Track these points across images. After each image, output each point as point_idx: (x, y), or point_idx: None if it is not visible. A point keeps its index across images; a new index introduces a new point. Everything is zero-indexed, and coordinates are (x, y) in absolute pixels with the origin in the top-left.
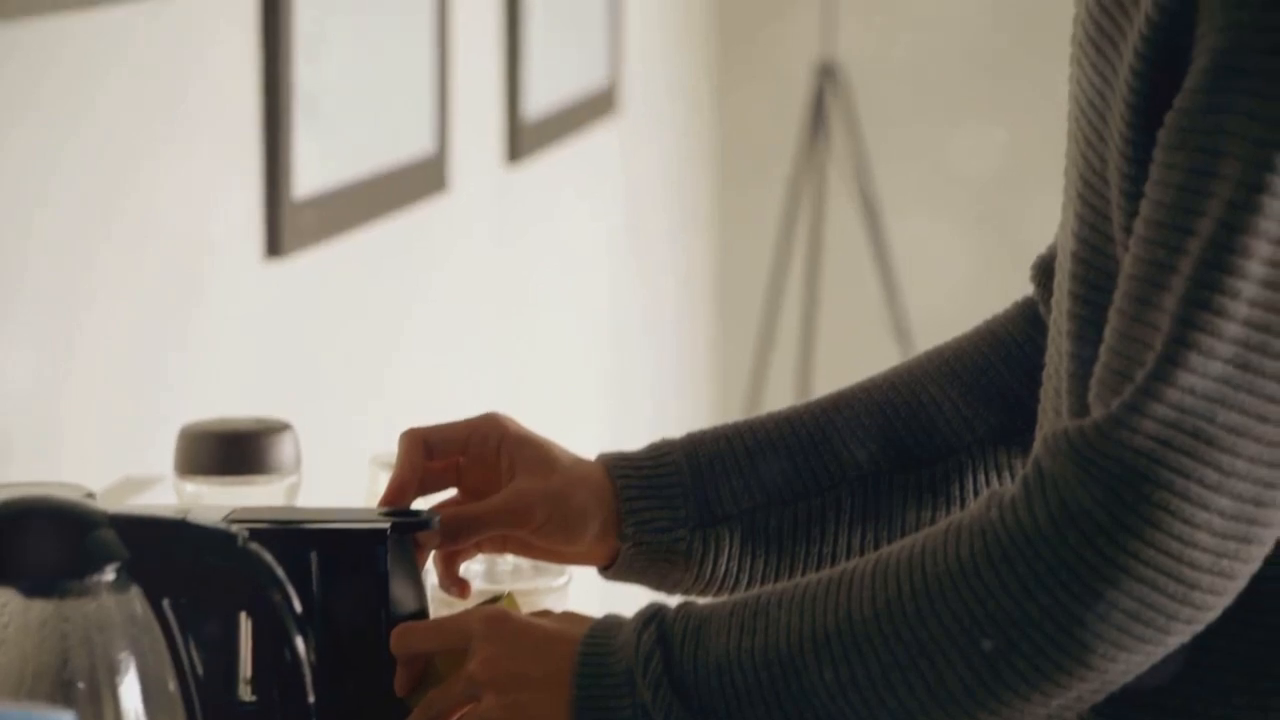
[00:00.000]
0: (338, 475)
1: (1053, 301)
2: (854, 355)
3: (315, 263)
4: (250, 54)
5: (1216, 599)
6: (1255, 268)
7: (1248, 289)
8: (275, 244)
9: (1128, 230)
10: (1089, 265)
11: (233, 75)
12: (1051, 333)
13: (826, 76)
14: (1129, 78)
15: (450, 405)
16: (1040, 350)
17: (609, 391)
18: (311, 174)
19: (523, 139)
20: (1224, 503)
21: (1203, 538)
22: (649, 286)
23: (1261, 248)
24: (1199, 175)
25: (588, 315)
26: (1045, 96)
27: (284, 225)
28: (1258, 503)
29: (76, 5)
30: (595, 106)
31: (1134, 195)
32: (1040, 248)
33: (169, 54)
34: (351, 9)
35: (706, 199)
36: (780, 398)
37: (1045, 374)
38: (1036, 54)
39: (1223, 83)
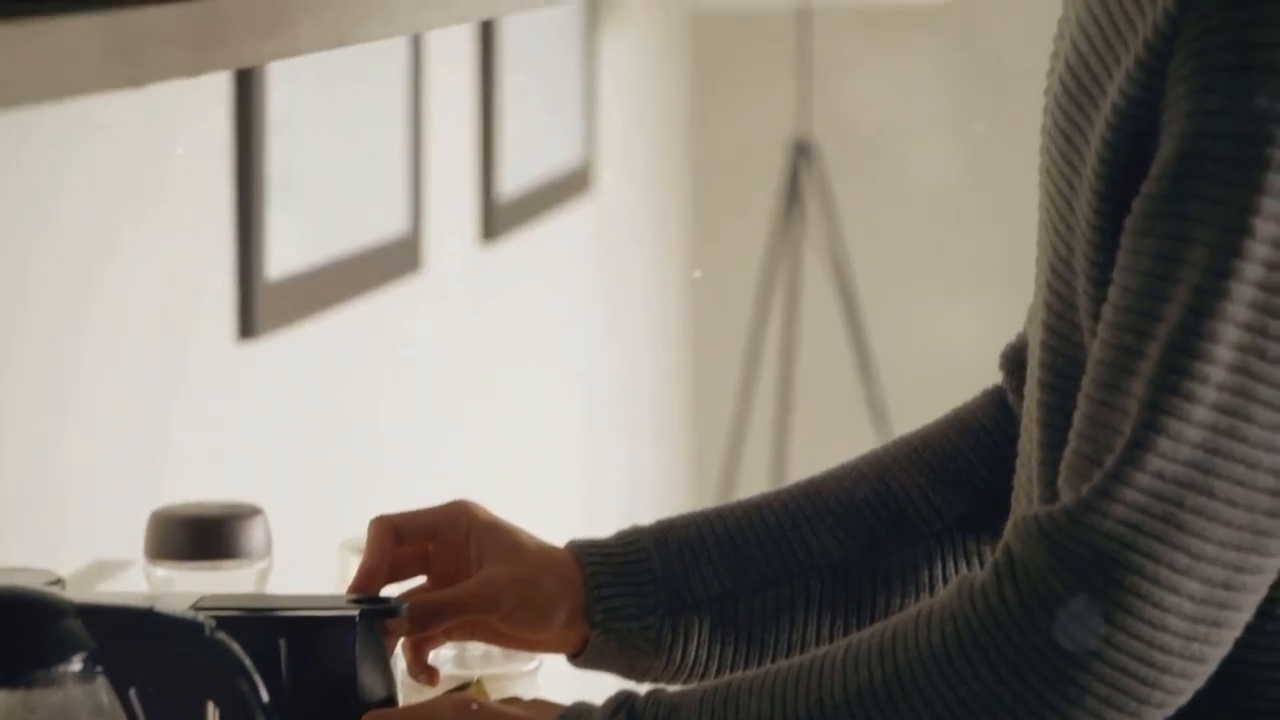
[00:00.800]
0: (309, 559)
1: (1025, 390)
2: (830, 437)
3: (288, 344)
4: (223, 133)
5: (1187, 683)
6: (1223, 352)
7: (1216, 374)
8: (248, 325)
9: (1095, 318)
10: (1057, 353)
11: (205, 154)
12: (1024, 421)
13: (801, 154)
14: (1096, 165)
15: (423, 489)
16: (1009, 438)
17: (583, 474)
18: (285, 254)
19: (498, 218)
20: (1194, 587)
21: (1173, 622)
22: (624, 368)
23: (1229, 333)
24: (1167, 261)
25: (562, 397)
26: (1020, 178)
27: (257, 306)
28: (1227, 586)
29: (49, 95)
30: (571, 185)
31: (1101, 283)
32: (1018, 327)
33: (141, 135)
34: (325, 87)
35: (681, 278)
36: (755, 479)
37: (1018, 462)
38: (1011, 135)
39: (1189, 169)
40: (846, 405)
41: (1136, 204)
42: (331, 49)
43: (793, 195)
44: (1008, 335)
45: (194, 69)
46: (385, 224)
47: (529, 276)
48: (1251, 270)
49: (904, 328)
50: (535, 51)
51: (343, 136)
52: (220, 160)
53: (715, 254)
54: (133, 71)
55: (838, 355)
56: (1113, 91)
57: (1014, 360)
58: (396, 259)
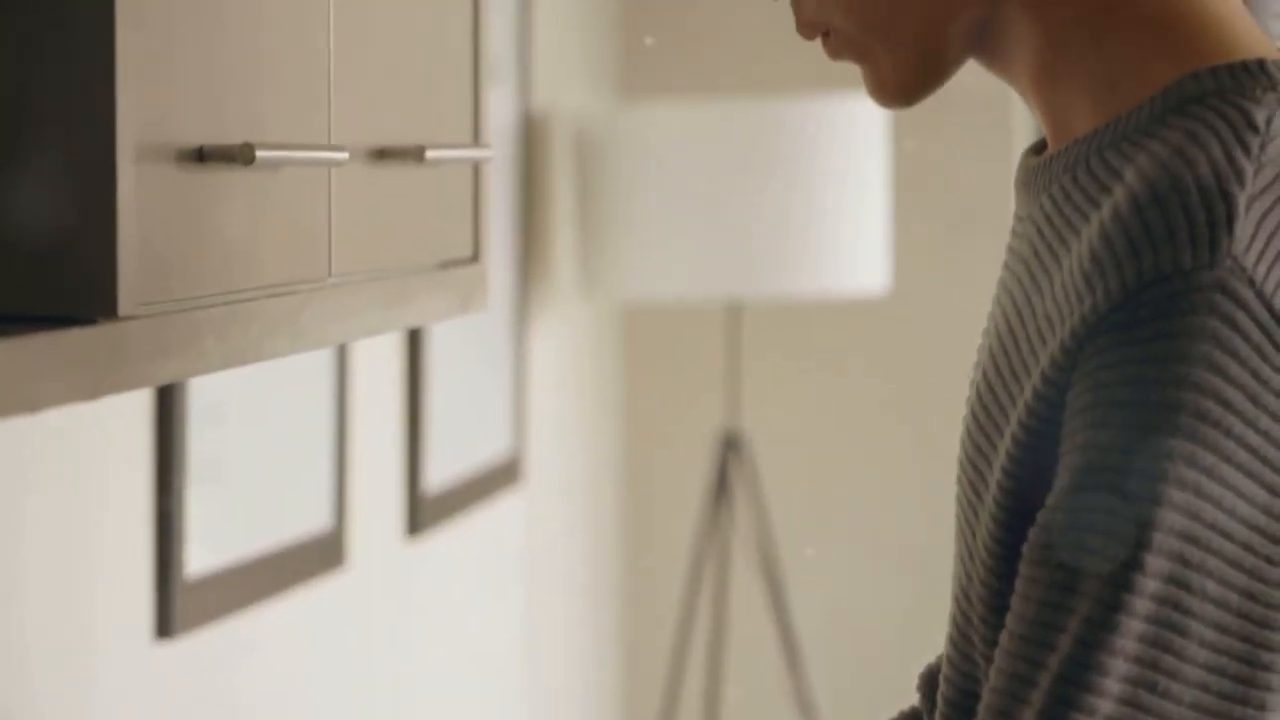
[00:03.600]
0: None
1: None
2: None
3: (207, 644)
4: (142, 422)
5: None
6: (1112, 685)
7: (1104, 706)
8: (166, 625)
9: (991, 644)
10: (954, 684)
11: (123, 442)
12: None
13: (730, 447)
14: (996, 494)
15: None
16: None
17: None
18: (204, 551)
19: (424, 512)
20: None
21: None
22: (552, 665)
23: (1119, 666)
24: (1061, 590)
25: (489, 698)
26: (952, 473)
27: (175, 605)
28: None
29: None
30: (499, 477)
31: (998, 609)
32: (943, 626)
33: (58, 419)
34: (248, 378)
35: (610, 569)
36: None
37: None
38: (944, 428)
39: (1082, 501)
40: (774, 697)
41: (1033, 533)
42: (238, 366)
43: (722, 487)
44: (939, 628)
45: (93, 392)
46: (308, 519)
47: (455, 572)
48: (1141, 604)
49: (832, 620)
50: (465, 342)
51: (266, 428)
52: (140, 451)
53: (645, 545)
54: (27, 399)
55: (766, 647)
56: (1012, 423)
57: (929, 683)
58: (319, 555)
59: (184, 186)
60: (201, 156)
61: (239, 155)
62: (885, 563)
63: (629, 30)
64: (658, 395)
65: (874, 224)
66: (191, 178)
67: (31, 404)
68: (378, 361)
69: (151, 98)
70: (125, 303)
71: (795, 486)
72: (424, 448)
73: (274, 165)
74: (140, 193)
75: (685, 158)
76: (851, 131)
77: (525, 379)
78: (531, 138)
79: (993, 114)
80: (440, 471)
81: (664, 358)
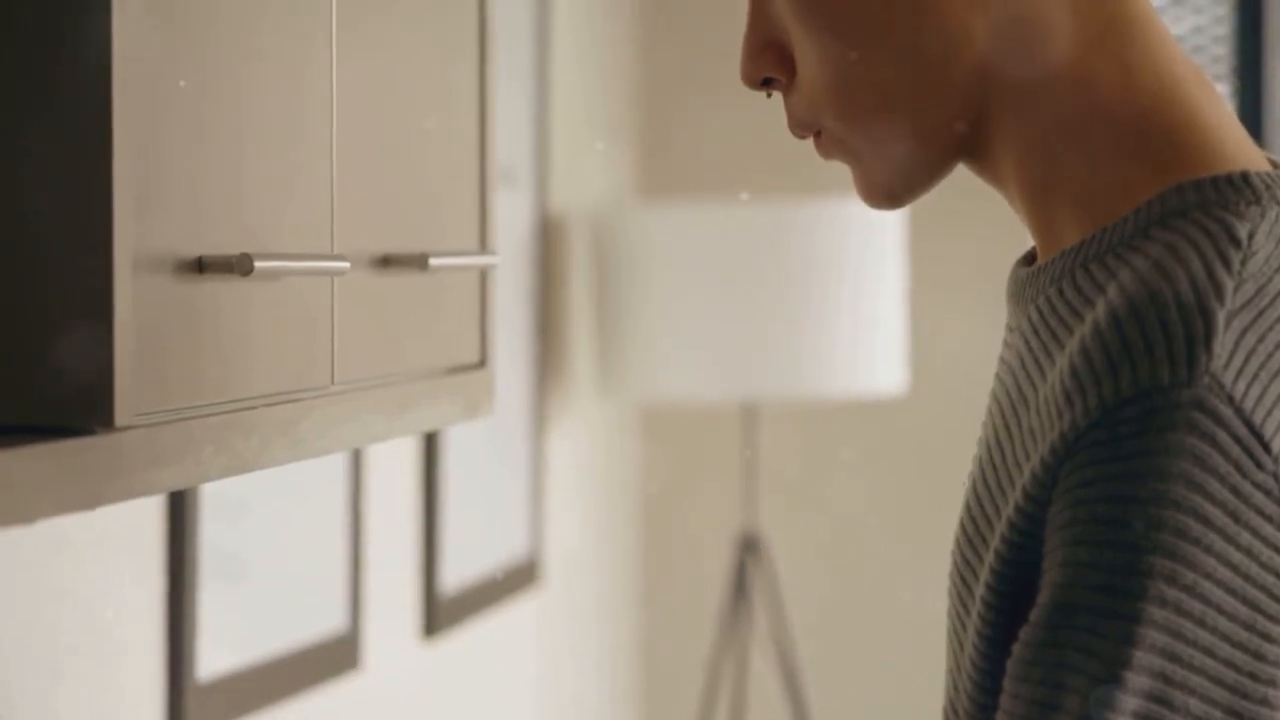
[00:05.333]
0: None
1: None
2: None
3: None
4: (154, 519)
5: None
6: None
7: None
8: None
9: None
10: None
11: (134, 539)
12: None
13: (748, 548)
14: (981, 610)
15: None
16: None
17: None
18: (216, 653)
19: (440, 613)
20: None
21: None
22: None
23: None
24: (1041, 708)
25: None
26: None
27: (186, 709)
28: None
29: None
30: (517, 578)
31: None
32: None
33: (67, 517)
34: (262, 475)
35: (628, 670)
36: None
37: None
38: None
39: (1062, 619)
40: None
41: (1015, 649)
42: (238, 474)
43: (740, 588)
44: None
45: (89, 503)
46: (322, 620)
47: (472, 674)
48: None
49: None
50: (482, 441)
51: (280, 526)
52: (151, 545)
53: (663, 646)
54: (22, 510)
55: None
56: (996, 538)
57: None
58: (333, 657)
59: (183, 297)
60: (201, 267)
61: (237, 266)
62: (904, 664)
63: (646, 132)
64: (675, 495)
65: (891, 325)
66: (190, 288)
67: (26, 515)
68: (394, 460)
69: (149, 208)
70: (122, 413)
71: (813, 587)
72: (440, 548)
73: (274, 275)
74: (138, 304)
75: (702, 258)
76: (869, 232)
77: (543, 479)
78: (549, 238)
79: (1011, 215)
80: (457, 572)
81: (681, 458)
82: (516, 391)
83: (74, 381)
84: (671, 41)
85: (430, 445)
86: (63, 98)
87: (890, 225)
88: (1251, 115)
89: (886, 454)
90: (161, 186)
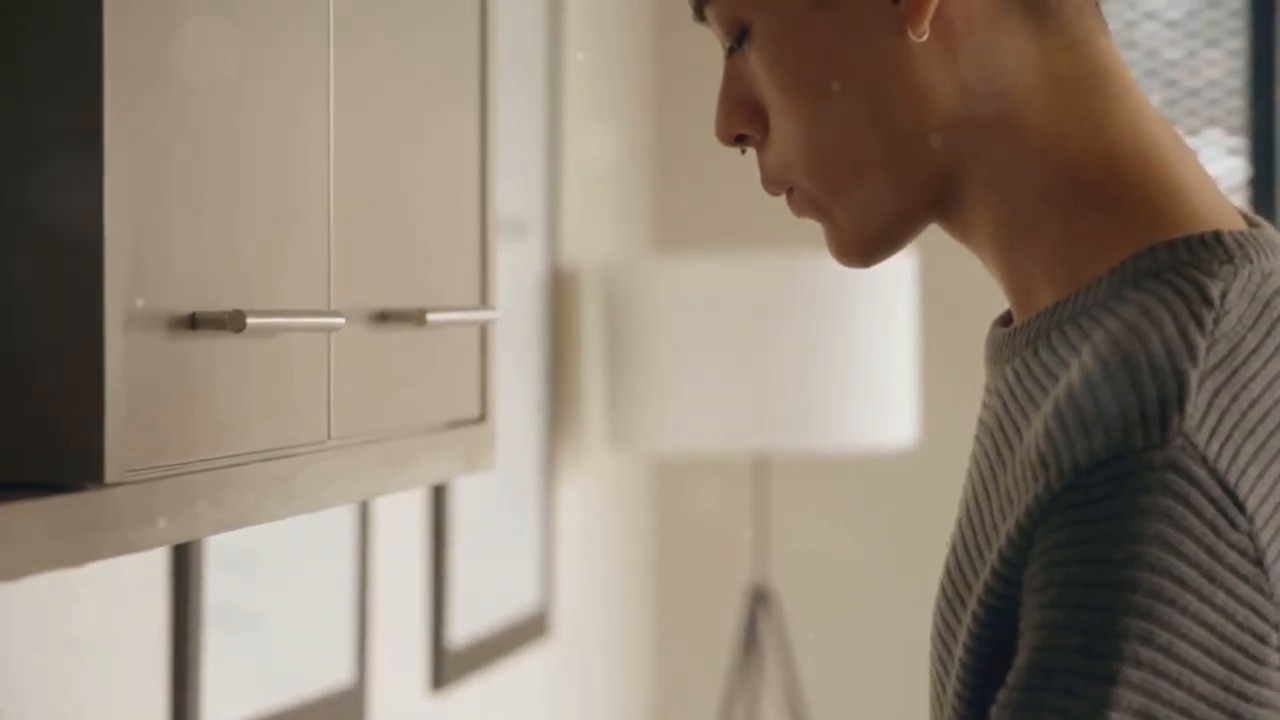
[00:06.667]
0: None
1: None
2: None
3: None
4: (160, 572)
5: None
6: None
7: None
8: None
9: None
10: None
11: (140, 594)
12: None
13: (759, 601)
14: (959, 671)
15: None
16: None
17: None
18: (222, 706)
19: (448, 666)
20: None
21: None
22: None
23: None
24: None
25: None
26: None
27: None
28: None
29: None
30: (526, 631)
31: None
32: None
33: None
34: (268, 529)
35: None
36: None
37: None
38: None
39: (1039, 681)
40: None
41: (994, 711)
42: (232, 529)
43: (751, 641)
44: None
45: (79, 560)
46: (328, 672)
47: None
48: None
49: None
50: (492, 493)
51: (286, 577)
52: (156, 597)
53: (674, 700)
54: (9, 566)
55: None
56: (973, 601)
57: None
58: (339, 711)
59: (176, 353)
60: (194, 323)
61: (229, 323)
62: (912, 716)
63: (658, 185)
64: (686, 548)
65: (901, 378)
66: (183, 344)
67: (14, 572)
68: (402, 512)
69: (142, 264)
70: (113, 469)
71: (824, 640)
72: (448, 600)
73: (267, 332)
74: (129, 360)
75: (713, 311)
76: (879, 287)
77: (553, 531)
78: (560, 291)
79: None
80: (465, 625)
81: (692, 511)
82: (527, 443)
83: (64, 437)
84: (684, 94)
85: (439, 497)
86: (55, 151)
87: (900, 280)
88: (1264, 171)
89: (896, 507)
90: (155, 241)
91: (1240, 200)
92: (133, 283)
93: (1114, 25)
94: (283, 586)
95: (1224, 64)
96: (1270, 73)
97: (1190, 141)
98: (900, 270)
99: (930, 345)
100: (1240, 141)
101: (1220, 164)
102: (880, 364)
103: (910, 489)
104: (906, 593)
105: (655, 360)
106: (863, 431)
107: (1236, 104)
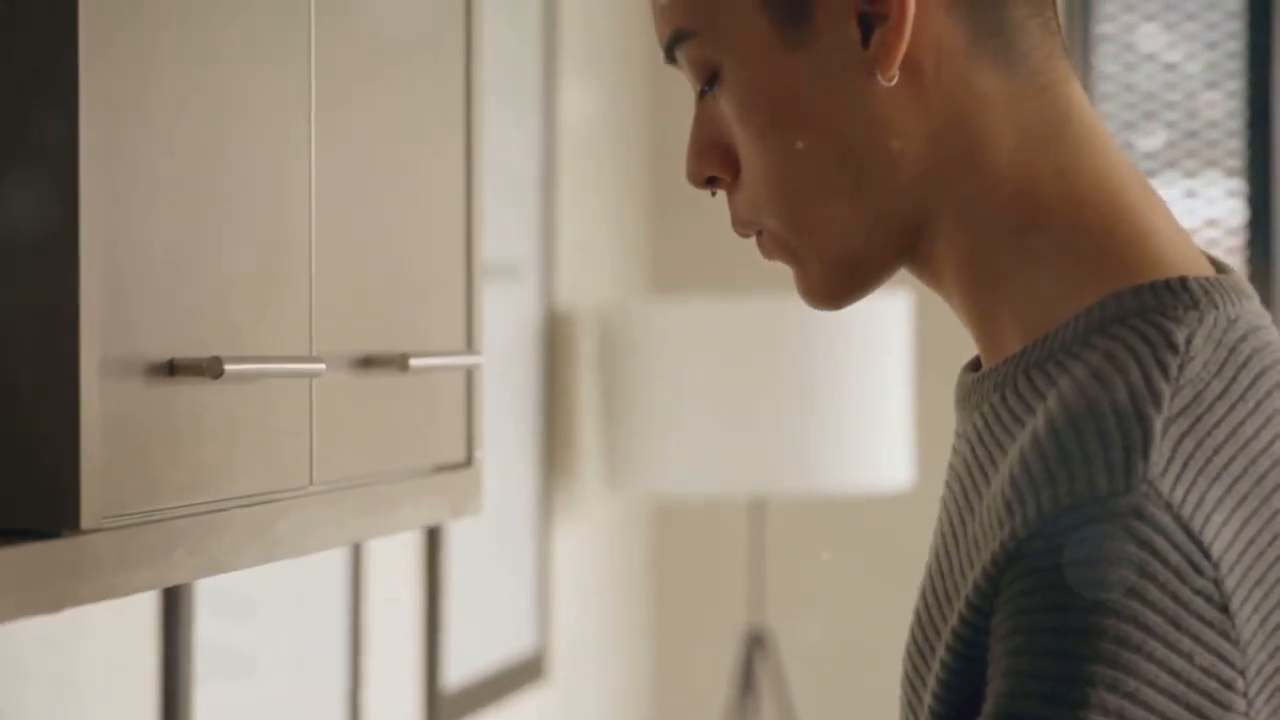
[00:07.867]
0: None
1: None
2: None
3: None
4: (150, 615)
5: None
6: None
7: None
8: None
9: None
10: None
11: (130, 637)
12: None
13: (755, 643)
14: (929, 719)
15: None
16: None
17: None
18: None
19: (442, 710)
20: None
21: None
22: None
23: None
24: None
25: None
26: None
27: None
28: None
29: None
30: (522, 674)
31: None
32: None
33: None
34: (259, 571)
35: None
36: None
37: None
38: None
39: None
40: None
41: None
42: (211, 575)
43: (747, 684)
44: None
45: (53, 606)
46: (321, 718)
47: None
48: None
49: None
50: (487, 537)
51: (278, 620)
52: (145, 641)
53: None
54: None
55: None
56: (941, 648)
57: None
58: None
59: (153, 399)
60: (172, 370)
61: (207, 369)
62: None
63: (653, 227)
64: (682, 591)
65: (897, 420)
66: (161, 390)
67: None
68: (395, 555)
69: (119, 309)
70: (89, 516)
71: (821, 683)
72: (443, 643)
73: (246, 378)
74: (105, 406)
75: (709, 354)
76: (874, 329)
77: (549, 573)
78: (556, 333)
79: None
80: (460, 668)
81: (688, 553)
82: (523, 485)
83: (40, 484)
84: (679, 136)
85: (433, 540)
86: (28, 192)
87: (895, 322)
88: (1262, 213)
89: (893, 549)
90: (132, 286)
91: (1238, 242)
92: (109, 329)
93: (1113, 67)
94: (276, 630)
95: (1223, 106)
96: (1269, 115)
97: (1189, 183)
98: (895, 312)
99: (925, 387)
100: (1239, 184)
101: (1219, 206)
102: (876, 406)
103: (906, 531)
104: (904, 636)
105: (651, 402)
106: (859, 473)
107: (1235, 146)
